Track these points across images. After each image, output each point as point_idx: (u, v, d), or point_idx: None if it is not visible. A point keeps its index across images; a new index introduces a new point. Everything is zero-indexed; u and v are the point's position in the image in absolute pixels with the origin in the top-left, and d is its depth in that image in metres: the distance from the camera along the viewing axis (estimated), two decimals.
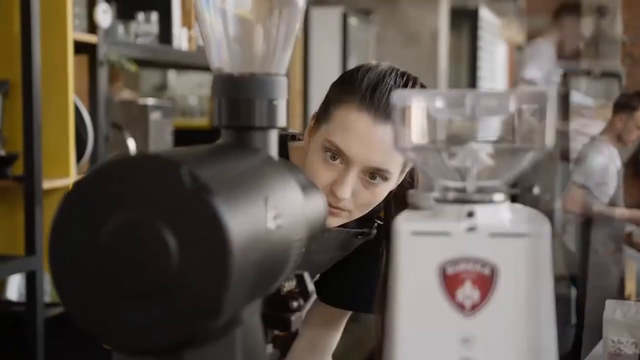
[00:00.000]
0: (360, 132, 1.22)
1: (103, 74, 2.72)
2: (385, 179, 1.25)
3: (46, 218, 2.45)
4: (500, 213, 0.65)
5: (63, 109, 2.51)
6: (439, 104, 0.65)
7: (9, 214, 2.54)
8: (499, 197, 0.65)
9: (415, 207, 0.71)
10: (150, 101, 3.29)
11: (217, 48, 0.74)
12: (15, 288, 2.79)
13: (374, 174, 1.24)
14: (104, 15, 2.65)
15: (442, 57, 6.13)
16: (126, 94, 4.03)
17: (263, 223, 0.62)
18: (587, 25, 4.67)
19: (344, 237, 1.38)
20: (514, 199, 0.68)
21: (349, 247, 1.41)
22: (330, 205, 1.24)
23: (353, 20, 5.53)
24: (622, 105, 4.38)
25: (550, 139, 0.63)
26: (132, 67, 2.85)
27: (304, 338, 1.49)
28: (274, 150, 0.74)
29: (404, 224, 0.64)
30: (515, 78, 4.67)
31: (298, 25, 0.75)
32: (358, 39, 5.60)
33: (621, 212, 4.50)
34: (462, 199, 0.65)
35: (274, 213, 0.65)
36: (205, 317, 0.57)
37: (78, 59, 2.70)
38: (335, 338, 1.54)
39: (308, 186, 0.78)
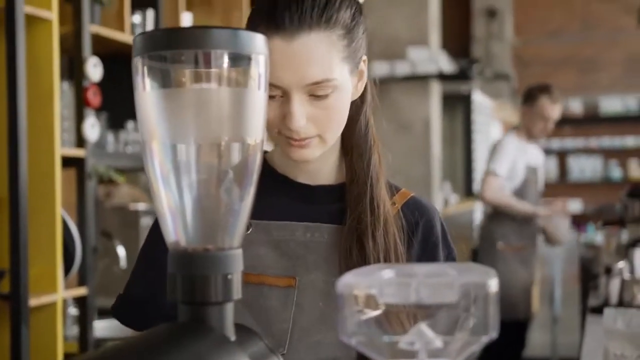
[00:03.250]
0: (278, 58, 1.13)
1: (91, 186, 2.74)
2: (334, 88, 1.17)
3: (33, 337, 2.42)
4: None
5: (51, 225, 2.51)
6: (386, 290, 0.65)
7: None
8: None
9: None
10: (142, 206, 3.30)
11: (173, 222, 0.74)
12: None
13: (317, 89, 1.16)
14: (92, 129, 2.68)
15: (435, 144, 6.17)
16: (125, 191, 4.03)
17: None
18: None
19: (333, 234, 1.25)
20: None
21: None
22: (294, 140, 1.18)
23: None
24: (525, 98, 4.53)
25: (495, 327, 0.63)
26: (120, 179, 2.87)
27: None
28: (229, 323, 0.74)
29: None
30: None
31: (250, 198, 0.76)
32: None
33: (525, 206, 4.40)
34: None
35: None
36: None
37: (66, 172, 2.72)
38: None
39: (264, 356, 0.78)
